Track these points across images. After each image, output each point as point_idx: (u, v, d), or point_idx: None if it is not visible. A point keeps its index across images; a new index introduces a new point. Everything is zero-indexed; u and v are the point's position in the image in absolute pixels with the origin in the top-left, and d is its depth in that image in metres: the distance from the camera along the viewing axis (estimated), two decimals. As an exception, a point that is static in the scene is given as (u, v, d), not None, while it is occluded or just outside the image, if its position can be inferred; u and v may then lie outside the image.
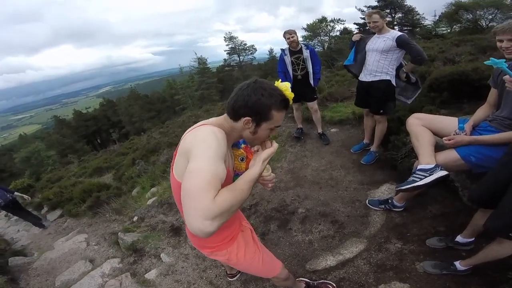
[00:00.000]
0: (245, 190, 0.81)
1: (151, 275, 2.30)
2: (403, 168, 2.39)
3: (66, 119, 38.38)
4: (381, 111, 2.61)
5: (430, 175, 1.55)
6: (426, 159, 1.60)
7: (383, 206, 2.16)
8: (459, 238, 1.67)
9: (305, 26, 31.36)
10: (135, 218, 3.41)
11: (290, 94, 0.93)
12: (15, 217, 6.33)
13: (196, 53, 32.37)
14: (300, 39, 3.30)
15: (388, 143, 2.74)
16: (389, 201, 2.13)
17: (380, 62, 2.45)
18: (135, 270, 2.46)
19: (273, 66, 37.57)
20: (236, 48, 36.74)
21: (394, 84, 2.53)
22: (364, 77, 2.64)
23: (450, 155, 1.59)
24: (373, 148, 2.91)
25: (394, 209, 2.12)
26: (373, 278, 1.71)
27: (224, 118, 0.96)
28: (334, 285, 1.69)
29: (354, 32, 2.97)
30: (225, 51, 36.74)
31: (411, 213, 2.09)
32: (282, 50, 3.33)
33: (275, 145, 0.95)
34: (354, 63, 2.77)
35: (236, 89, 0.91)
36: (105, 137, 36.25)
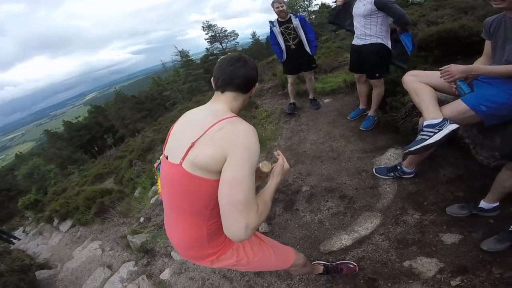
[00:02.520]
0: (272, 197, 0.96)
1: (165, 275, 2.29)
2: (406, 129, 2.29)
3: (58, 132, 37.82)
4: (377, 75, 2.53)
5: (439, 130, 1.42)
6: (431, 113, 1.47)
7: (392, 174, 2.06)
8: (483, 204, 1.53)
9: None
10: (142, 219, 3.41)
11: None
12: (32, 232, 7.47)
13: (176, 47, 31.24)
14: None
15: (385, 106, 2.64)
16: (398, 167, 2.02)
17: (366, 26, 2.38)
18: (150, 271, 2.46)
19: (258, 49, 37.37)
20: (217, 35, 35.87)
21: (389, 47, 2.42)
22: (355, 41, 2.59)
23: (458, 107, 1.46)
24: (370, 112, 2.83)
25: (405, 176, 2.01)
26: (395, 255, 1.60)
27: (233, 99, 0.97)
28: (356, 264, 1.61)
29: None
30: (205, 39, 35.82)
31: (424, 179, 1.97)
32: (271, 22, 3.21)
33: (281, 157, 1.06)
34: (342, 21, 2.76)
35: (238, 65, 0.95)
36: (101, 144, 35.87)
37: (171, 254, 2.47)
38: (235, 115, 0.92)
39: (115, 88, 44.70)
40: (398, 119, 2.41)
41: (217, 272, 2.05)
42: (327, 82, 4.25)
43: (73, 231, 5.23)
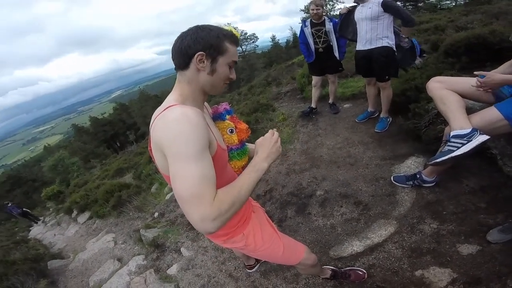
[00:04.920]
0: (246, 184, 0.78)
1: (172, 270, 2.31)
2: (429, 137, 2.18)
3: (85, 127, 39.91)
4: (387, 77, 2.55)
5: (468, 141, 1.32)
6: (459, 123, 1.38)
7: (411, 183, 1.96)
8: None
9: (303, 8, 30.01)
10: (156, 214, 3.46)
11: (237, 33, 0.87)
12: (51, 223, 7.94)
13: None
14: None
15: (408, 112, 2.54)
16: (418, 176, 1.92)
17: (373, 29, 2.44)
18: (158, 266, 2.49)
19: (277, 53, 37.11)
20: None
21: (394, 49, 2.47)
22: (362, 46, 2.61)
23: (489, 115, 1.35)
24: (382, 114, 2.82)
25: (424, 185, 1.91)
26: (407, 264, 1.54)
27: (178, 81, 0.85)
28: (365, 271, 1.56)
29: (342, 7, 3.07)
30: (226, 42, 36.39)
31: (444, 189, 1.87)
32: (303, 21, 3.21)
33: (275, 133, 0.93)
34: (345, 31, 2.85)
35: (178, 37, 0.82)
36: (123, 140, 37.38)
37: (181, 250, 2.49)
38: (175, 103, 0.79)
39: (139, 87, 46.48)
40: (421, 126, 2.30)
41: (223, 271, 2.04)
42: (348, 86, 4.16)
43: (89, 223, 5.42)
